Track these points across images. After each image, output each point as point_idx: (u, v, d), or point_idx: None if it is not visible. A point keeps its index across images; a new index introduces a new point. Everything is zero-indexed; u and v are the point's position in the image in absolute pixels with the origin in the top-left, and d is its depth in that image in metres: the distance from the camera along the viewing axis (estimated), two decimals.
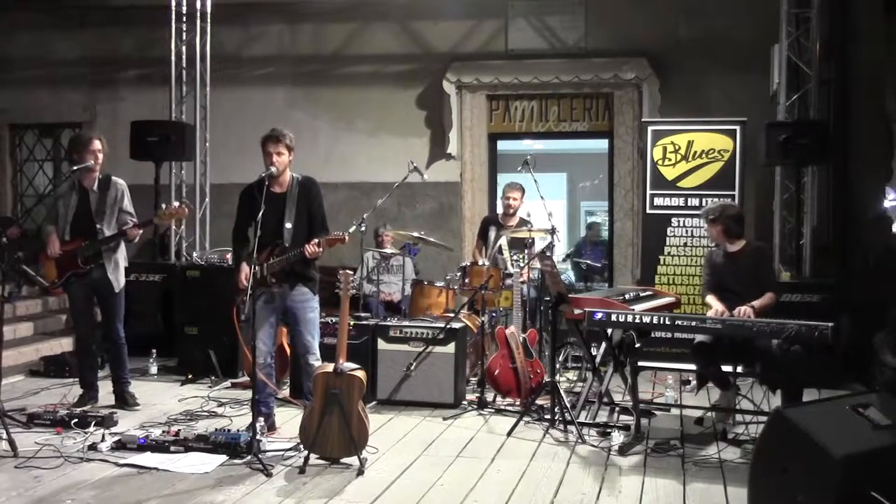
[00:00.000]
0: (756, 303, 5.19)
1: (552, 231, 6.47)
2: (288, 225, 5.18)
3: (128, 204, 5.97)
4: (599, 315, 5.00)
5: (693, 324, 4.96)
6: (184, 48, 8.60)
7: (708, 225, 5.56)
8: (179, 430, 5.12)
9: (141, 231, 5.90)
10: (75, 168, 5.77)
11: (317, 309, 5.36)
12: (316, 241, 5.07)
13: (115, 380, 6.04)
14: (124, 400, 5.99)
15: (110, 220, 5.89)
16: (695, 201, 7.28)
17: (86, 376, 6.07)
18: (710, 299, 5.44)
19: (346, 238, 5.12)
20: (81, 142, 5.84)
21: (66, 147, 5.92)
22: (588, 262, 9.36)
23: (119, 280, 5.94)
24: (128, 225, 5.86)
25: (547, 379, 5.75)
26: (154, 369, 7.15)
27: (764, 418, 4.44)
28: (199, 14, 8.58)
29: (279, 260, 5.13)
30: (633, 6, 8.66)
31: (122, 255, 6.00)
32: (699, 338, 5.25)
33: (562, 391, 5.58)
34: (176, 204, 6.26)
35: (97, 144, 5.83)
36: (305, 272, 5.26)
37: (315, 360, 5.25)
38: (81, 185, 5.89)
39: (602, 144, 9.30)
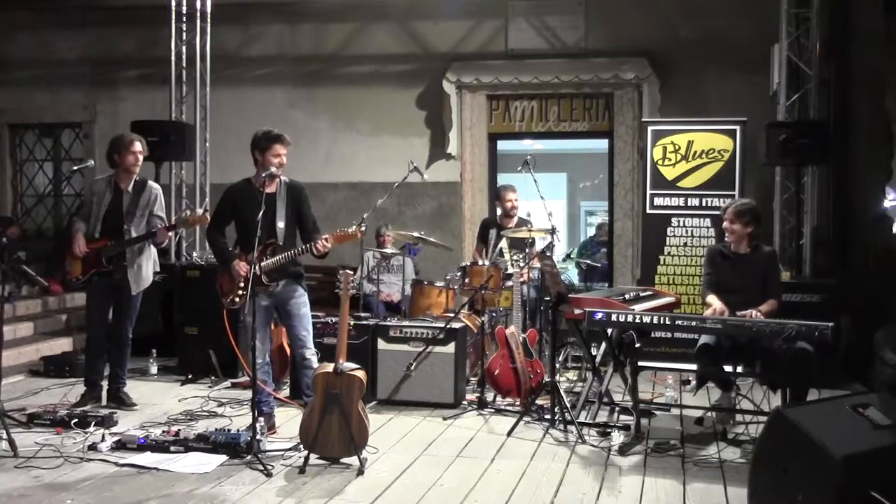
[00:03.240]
0: (763, 307, 5.16)
1: (552, 231, 6.47)
2: (280, 224, 5.25)
3: (159, 209, 6.04)
4: (599, 315, 4.99)
5: (693, 324, 4.95)
6: (184, 48, 8.60)
7: (739, 225, 5.36)
8: (179, 430, 5.12)
9: (171, 234, 5.94)
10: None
11: (307, 304, 5.42)
12: (325, 237, 5.13)
13: (113, 379, 6.05)
14: (121, 400, 6.00)
15: (139, 222, 5.94)
16: (695, 201, 7.28)
17: (92, 376, 6.07)
18: (711, 298, 5.39)
19: (360, 234, 5.16)
20: (123, 143, 5.92)
21: (107, 148, 5.99)
22: (588, 261, 9.37)
23: (138, 283, 5.97)
24: (156, 227, 5.91)
25: (547, 379, 5.75)
26: (154, 369, 7.16)
27: (764, 418, 4.44)
28: (199, 14, 8.57)
29: (277, 259, 5.17)
30: (633, 6, 8.66)
31: (147, 259, 6.02)
32: (703, 339, 5.24)
33: (562, 391, 5.58)
34: (200, 210, 6.30)
35: (138, 146, 5.94)
36: (294, 269, 5.34)
37: (311, 354, 5.32)
38: (118, 184, 5.95)
39: (602, 144, 9.30)
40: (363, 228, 6.90)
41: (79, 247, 5.82)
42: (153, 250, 6.11)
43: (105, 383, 6.09)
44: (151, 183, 6.08)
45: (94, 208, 5.94)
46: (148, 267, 6.04)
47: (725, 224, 5.47)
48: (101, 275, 5.87)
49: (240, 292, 5.12)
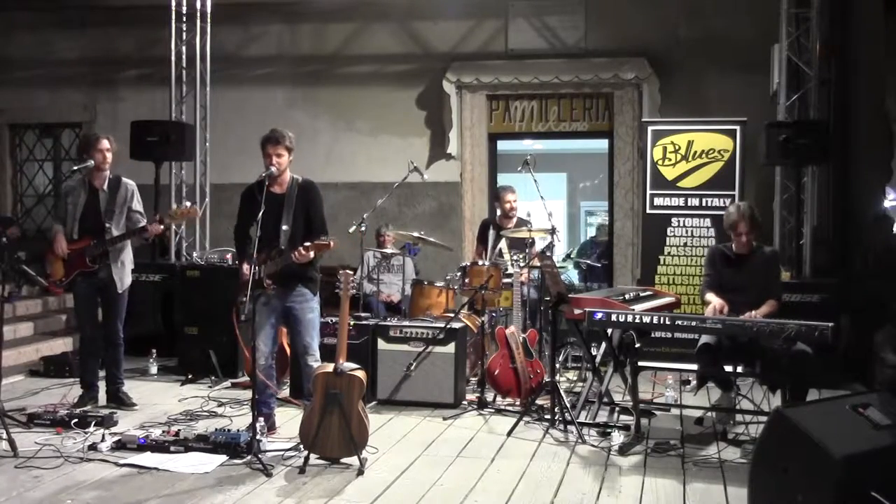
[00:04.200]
0: (762, 309, 5.17)
1: (552, 231, 6.47)
2: (285, 227, 5.15)
3: (137, 204, 6.03)
4: (599, 315, 4.99)
5: (693, 324, 4.94)
6: (184, 48, 8.60)
7: (747, 229, 5.35)
8: (179, 430, 5.12)
9: (161, 228, 5.93)
10: (75, 168, 5.80)
11: (317, 310, 5.34)
12: (305, 245, 4.97)
13: (110, 380, 6.05)
14: (120, 400, 6.00)
15: (119, 219, 5.93)
16: (695, 201, 7.28)
17: (87, 376, 6.07)
18: (710, 296, 5.40)
19: (332, 245, 5.04)
20: (90, 141, 5.91)
21: (77, 146, 6.01)
22: (588, 262, 9.37)
23: (124, 280, 5.97)
24: (140, 224, 5.89)
25: (547, 379, 5.75)
26: (154, 369, 7.15)
27: (764, 418, 4.44)
28: (199, 14, 8.58)
29: (274, 263, 5.10)
30: (633, 6, 8.66)
31: (128, 256, 6.04)
32: (703, 339, 5.24)
33: (562, 391, 5.58)
34: (188, 204, 6.29)
35: (105, 144, 5.90)
36: (305, 273, 5.23)
37: (314, 361, 5.23)
38: (91, 184, 5.93)
39: (602, 144, 9.30)
40: (363, 229, 6.97)
41: (61, 247, 5.81)
42: (129, 247, 6.09)
43: (102, 384, 6.08)
44: (125, 179, 6.05)
45: (69, 209, 5.91)
46: (129, 264, 6.04)
47: (740, 234, 5.40)
48: (84, 275, 5.86)
49: (248, 293, 5.08)
